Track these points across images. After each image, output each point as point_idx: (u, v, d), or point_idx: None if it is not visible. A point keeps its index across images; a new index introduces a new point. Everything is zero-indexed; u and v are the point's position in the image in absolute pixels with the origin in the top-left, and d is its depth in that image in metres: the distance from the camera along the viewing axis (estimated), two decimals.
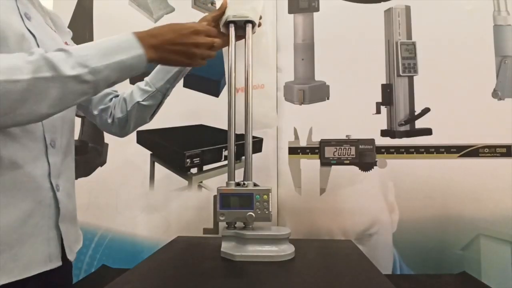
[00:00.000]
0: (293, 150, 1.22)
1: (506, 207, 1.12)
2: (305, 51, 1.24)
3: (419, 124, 1.20)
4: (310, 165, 1.21)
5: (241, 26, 0.83)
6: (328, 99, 1.22)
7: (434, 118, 1.18)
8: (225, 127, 0.86)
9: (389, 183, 1.18)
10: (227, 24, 0.82)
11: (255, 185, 0.84)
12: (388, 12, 1.22)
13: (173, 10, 1.29)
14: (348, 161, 1.20)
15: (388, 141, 1.20)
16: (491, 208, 1.13)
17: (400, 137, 1.20)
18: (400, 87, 1.21)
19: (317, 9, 1.25)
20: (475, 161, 1.16)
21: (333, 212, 1.18)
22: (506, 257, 1.12)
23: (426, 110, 1.19)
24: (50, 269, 0.65)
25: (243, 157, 0.86)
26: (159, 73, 0.83)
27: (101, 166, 1.28)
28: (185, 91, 1.25)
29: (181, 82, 1.24)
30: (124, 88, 0.85)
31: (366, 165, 1.20)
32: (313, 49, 1.24)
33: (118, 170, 1.26)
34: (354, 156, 1.20)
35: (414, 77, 1.21)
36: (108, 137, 1.28)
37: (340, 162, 1.20)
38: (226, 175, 0.85)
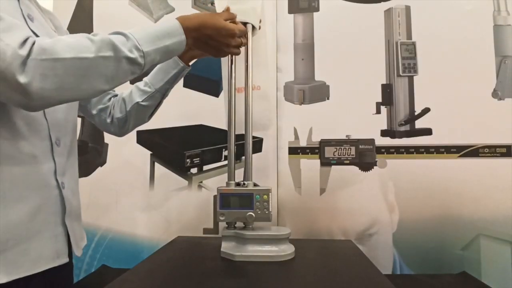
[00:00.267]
0: (293, 150, 1.22)
1: (506, 207, 1.12)
2: (305, 51, 1.24)
3: (419, 124, 1.20)
4: (310, 165, 1.21)
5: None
6: (328, 99, 1.22)
7: (434, 118, 1.18)
8: (225, 127, 0.86)
9: (389, 183, 1.18)
10: None
11: (255, 185, 0.84)
12: (388, 12, 1.22)
13: (173, 10, 1.29)
14: (348, 161, 1.20)
15: (388, 141, 1.20)
16: (491, 208, 1.13)
17: (400, 137, 1.20)
18: (400, 87, 1.21)
19: (317, 9, 1.25)
20: (475, 161, 1.16)
21: (333, 212, 1.18)
22: (506, 257, 1.12)
23: (426, 110, 1.19)
24: (54, 267, 0.66)
25: (243, 157, 0.86)
26: (159, 74, 0.84)
27: (101, 166, 1.28)
28: (185, 91, 1.25)
29: (181, 82, 1.25)
30: (124, 89, 0.85)
31: (366, 165, 1.20)
32: (313, 49, 1.24)
33: (118, 170, 1.26)
34: (354, 156, 1.20)
35: (414, 77, 1.21)
36: (108, 137, 1.28)
37: (340, 162, 1.20)
38: (226, 175, 0.85)
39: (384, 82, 1.21)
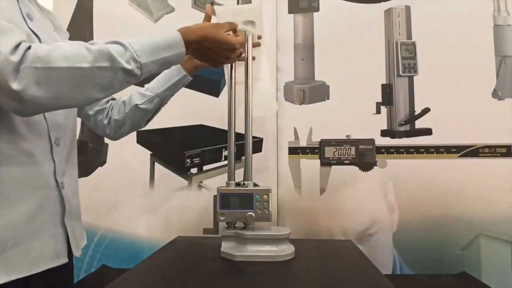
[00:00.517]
0: (293, 150, 1.22)
1: (506, 207, 1.12)
2: (305, 51, 1.24)
3: (419, 124, 1.20)
4: (310, 165, 1.21)
5: None
6: (328, 99, 1.22)
7: (434, 118, 1.18)
8: (225, 127, 0.86)
9: (389, 183, 1.18)
10: None
11: (255, 185, 0.84)
12: (388, 12, 1.22)
13: (173, 10, 1.29)
14: (348, 161, 1.20)
15: (388, 141, 1.20)
16: (491, 208, 1.13)
17: (400, 137, 1.20)
18: (400, 87, 1.21)
19: (317, 9, 1.25)
20: (475, 161, 1.16)
21: (333, 212, 1.18)
22: (506, 257, 1.12)
23: (426, 110, 1.19)
24: (54, 267, 0.66)
25: (243, 157, 0.86)
26: (160, 81, 0.86)
27: (101, 166, 1.28)
28: (185, 91, 1.24)
29: None
30: (125, 93, 0.85)
31: (366, 165, 1.20)
32: (313, 49, 1.24)
33: (118, 170, 1.26)
34: (354, 156, 1.20)
35: (414, 77, 1.21)
36: None
37: (340, 162, 1.20)
38: (226, 175, 0.85)
39: (384, 82, 1.22)
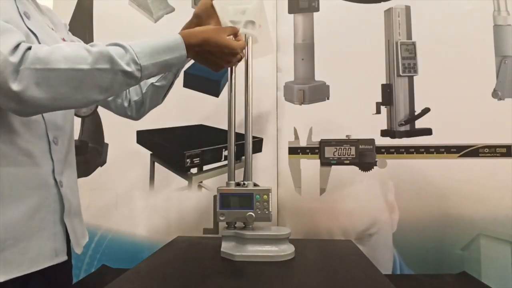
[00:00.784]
0: (293, 150, 1.22)
1: (506, 207, 1.12)
2: (305, 51, 1.24)
3: (419, 124, 1.20)
4: (310, 165, 1.21)
5: None
6: (328, 99, 1.22)
7: (434, 118, 1.18)
8: (225, 127, 0.86)
9: (389, 183, 1.18)
10: None
11: (255, 185, 0.84)
12: (388, 12, 1.22)
13: (173, 10, 1.29)
14: (348, 161, 1.20)
15: (388, 141, 1.20)
16: (491, 208, 1.13)
17: (400, 137, 1.20)
18: (400, 87, 1.21)
19: (317, 9, 1.25)
20: (475, 161, 1.16)
21: (333, 212, 1.18)
22: (506, 257, 1.12)
23: (426, 110, 1.19)
24: (53, 266, 0.66)
25: (243, 157, 0.86)
26: None
27: (101, 166, 1.28)
28: (185, 91, 1.25)
29: (181, 82, 1.25)
30: None
31: (366, 165, 1.20)
32: (313, 49, 1.24)
33: (118, 170, 1.26)
34: (354, 156, 1.20)
35: (414, 77, 1.21)
36: (108, 137, 1.28)
37: (340, 162, 1.20)
38: (226, 175, 0.85)
39: (384, 82, 1.21)
